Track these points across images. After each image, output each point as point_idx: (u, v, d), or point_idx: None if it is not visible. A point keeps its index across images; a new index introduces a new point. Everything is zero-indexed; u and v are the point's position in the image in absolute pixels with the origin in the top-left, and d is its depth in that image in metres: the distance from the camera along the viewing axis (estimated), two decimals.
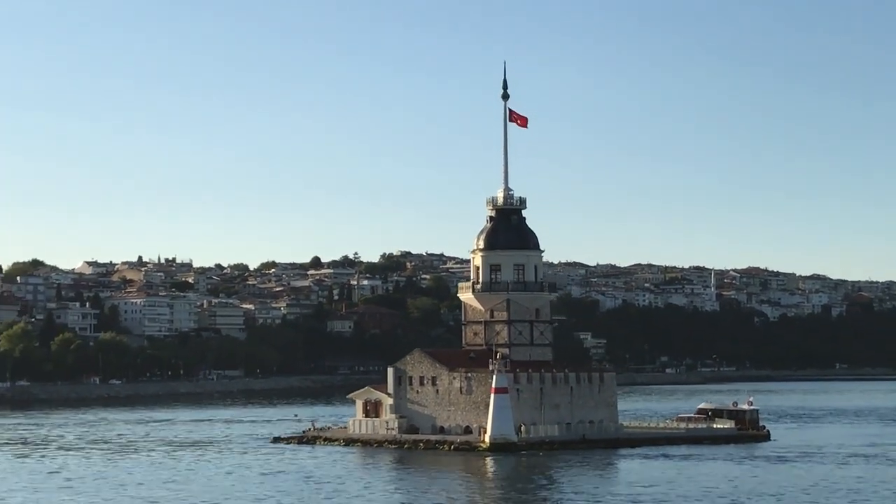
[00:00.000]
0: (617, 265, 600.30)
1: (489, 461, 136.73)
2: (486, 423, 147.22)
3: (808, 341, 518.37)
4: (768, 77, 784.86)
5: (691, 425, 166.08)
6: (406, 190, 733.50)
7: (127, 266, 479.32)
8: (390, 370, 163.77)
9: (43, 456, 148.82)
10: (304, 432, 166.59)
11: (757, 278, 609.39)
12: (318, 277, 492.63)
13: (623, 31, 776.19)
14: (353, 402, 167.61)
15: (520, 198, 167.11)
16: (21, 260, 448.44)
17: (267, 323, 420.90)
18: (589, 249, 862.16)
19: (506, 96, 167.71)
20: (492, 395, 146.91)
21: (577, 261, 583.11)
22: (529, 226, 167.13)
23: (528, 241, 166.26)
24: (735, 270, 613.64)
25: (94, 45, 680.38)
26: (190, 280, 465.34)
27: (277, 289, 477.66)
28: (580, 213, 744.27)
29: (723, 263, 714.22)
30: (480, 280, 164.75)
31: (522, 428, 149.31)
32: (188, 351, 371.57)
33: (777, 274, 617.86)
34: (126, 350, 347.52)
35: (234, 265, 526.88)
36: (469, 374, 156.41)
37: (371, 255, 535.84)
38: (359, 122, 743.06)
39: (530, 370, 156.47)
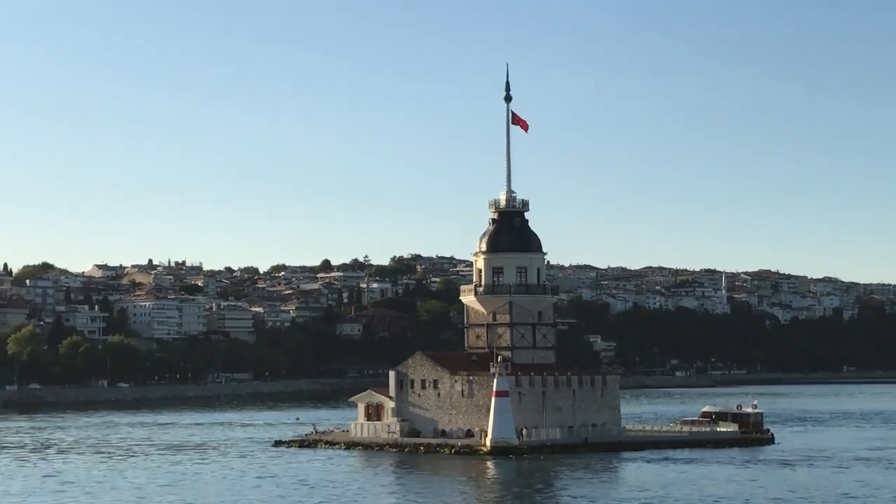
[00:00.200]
0: (627, 268, 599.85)
1: (489, 465, 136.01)
2: (488, 426, 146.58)
3: (819, 344, 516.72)
4: (780, 78, 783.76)
5: (695, 429, 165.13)
6: (417, 193, 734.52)
7: (136, 269, 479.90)
8: (392, 373, 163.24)
9: (41, 459, 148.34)
10: (305, 436, 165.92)
11: (768, 281, 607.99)
12: (327, 280, 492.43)
13: (627, 32, 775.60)
14: (356, 405, 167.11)
15: (522, 200, 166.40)
16: (31, 263, 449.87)
17: (276, 326, 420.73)
18: (600, 252, 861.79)
19: (508, 98, 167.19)
20: (493, 399, 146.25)
21: (588, 264, 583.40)
22: (534, 229, 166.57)
23: (530, 243, 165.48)
24: (746, 273, 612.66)
25: (104, 50, 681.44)
26: (199, 283, 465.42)
27: (287, 292, 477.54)
28: (591, 216, 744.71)
29: (734, 266, 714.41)
30: (483, 283, 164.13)
31: (524, 431, 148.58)
32: (197, 354, 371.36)
33: (788, 276, 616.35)
34: (134, 353, 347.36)
35: (244, 268, 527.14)
36: (470, 378, 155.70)
37: (381, 259, 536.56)
38: (366, 125, 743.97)
39: (532, 373, 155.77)
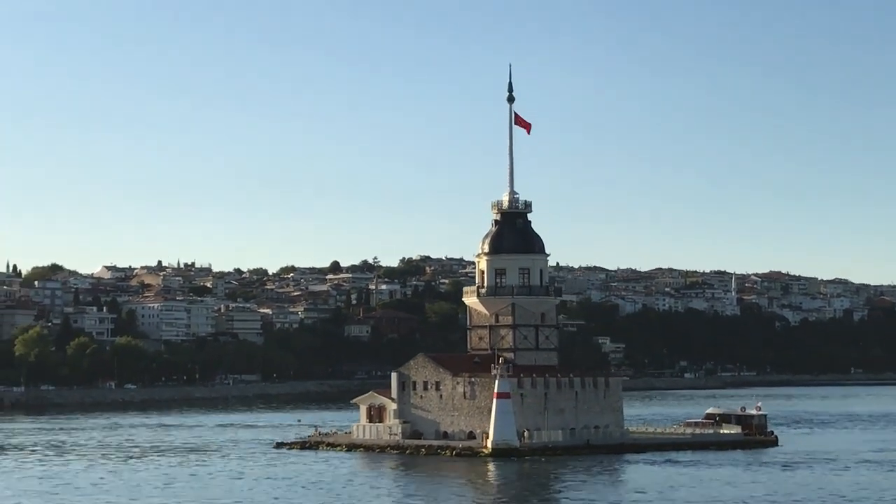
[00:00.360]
0: (637, 269, 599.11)
1: (490, 467, 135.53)
2: (489, 428, 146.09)
3: (830, 346, 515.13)
4: (788, 80, 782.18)
5: (698, 430, 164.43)
6: (427, 194, 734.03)
7: (146, 271, 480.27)
8: (394, 375, 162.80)
9: (40, 460, 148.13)
10: (307, 438, 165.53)
11: (778, 282, 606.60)
12: (336, 282, 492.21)
13: (631, 32, 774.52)
14: (358, 406, 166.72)
15: (525, 201, 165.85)
16: (41, 265, 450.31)
17: (284, 327, 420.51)
18: (610, 254, 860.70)
19: (511, 99, 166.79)
20: (494, 400, 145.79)
21: (598, 265, 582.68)
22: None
23: (533, 245, 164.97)
24: (756, 275, 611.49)
25: (112, 53, 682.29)
26: (208, 285, 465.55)
27: (295, 293, 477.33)
28: (601, 218, 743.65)
29: (744, 268, 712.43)
30: (485, 284, 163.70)
31: (525, 433, 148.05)
32: (204, 355, 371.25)
33: (798, 278, 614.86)
34: (142, 354, 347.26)
35: (253, 270, 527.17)
36: (472, 379, 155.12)
37: (391, 260, 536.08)
38: (375, 126, 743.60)
39: (534, 375, 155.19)
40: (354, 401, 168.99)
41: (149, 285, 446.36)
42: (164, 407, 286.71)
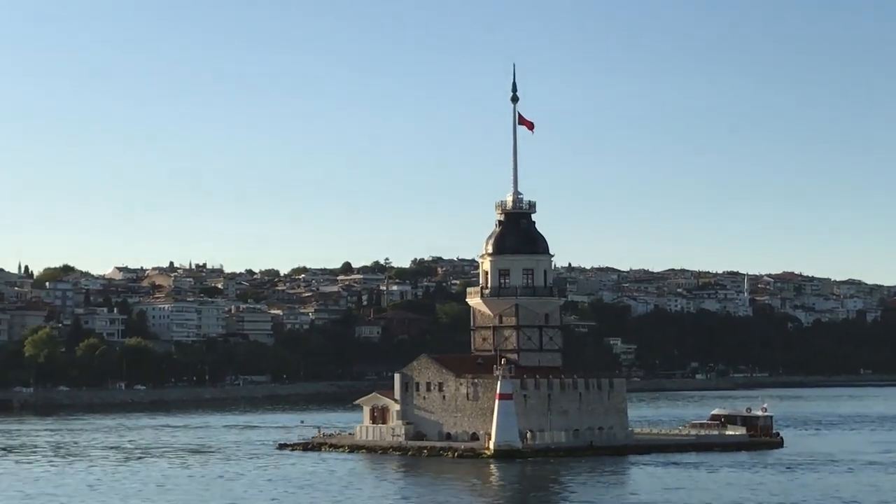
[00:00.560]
0: (650, 270, 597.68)
1: (492, 468, 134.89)
2: (491, 429, 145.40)
3: (843, 347, 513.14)
4: (802, 79, 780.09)
5: (703, 432, 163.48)
6: (440, 196, 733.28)
7: (157, 272, 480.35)
8: (397, 376, 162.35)
9: (39, 463, 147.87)
10: (311, 438, 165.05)
11: (791, 283, 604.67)
12: (347, 283, 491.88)
13: (638, 30, 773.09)
14: (361, 408, 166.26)
15: (529, 201, 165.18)
16: (53, 266, 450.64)
17: (295, 328, 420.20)
18: (622, 255, 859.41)
19: (515, 99, 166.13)
20: (496, 402, 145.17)
21: (610, 266, 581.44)
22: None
23: (537, 245, 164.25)
24: (769, 275, 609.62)
25: (124, 54, 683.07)
26: (219, 286, 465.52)
27: (306, 294, 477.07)
28: (614, 219, 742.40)
29: (757, 268, 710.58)
30: (489, 285, 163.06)
31: (528, 434, 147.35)
32: (215, 356, 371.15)
33: (811, 279, 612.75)
34: (151, 355, 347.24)
35: (265, 271, 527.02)
36: (475, 381, 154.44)
37: (403, 261, 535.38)
38: (380, 127, 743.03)
39: (538, 376, 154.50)
40: (358, 402, 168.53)
41: (160, 286, 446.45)
42: (173, 408, 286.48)
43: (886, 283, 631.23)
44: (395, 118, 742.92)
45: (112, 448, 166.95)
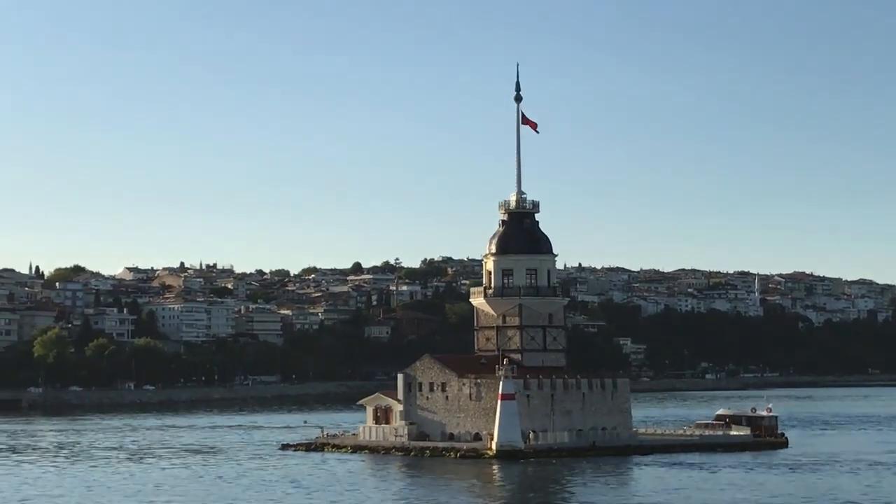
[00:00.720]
0: (660, 270, 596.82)
1: (495, 469, 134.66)
2: (494, 429, 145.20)
3: (853, 347, 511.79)
4: (813, 78, 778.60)
5: (707, 432, 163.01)
6: (450, 196, 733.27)
7: (167, 272, 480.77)
8: (400, 376, 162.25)
9: (38, 462, 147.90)
10: (314, 439, 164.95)
11: (802, 283, 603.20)
12: (357, 283, 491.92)
13: (642, 29, 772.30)
14: (364, 408, 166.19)
15: (532, 201, 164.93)
16: (64, 266, 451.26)
17: (304, 328, 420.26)
18: (633, 255, 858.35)
19: (518, 98, 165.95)
20: (499, 402, 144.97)
21: (621, 266, 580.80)
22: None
23: (540, 245, 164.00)
24: (780, 275, 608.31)
25: (133, 54, 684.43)
26: (230, 286, 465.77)
27: (316, 294, 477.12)
28: (625, 219, 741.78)
29: (767, 268, 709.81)
30: (492, 285, 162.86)
31: (531, 435, 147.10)
32: (224, 356, 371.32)
33: (822, 279, 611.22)
34: (160, 356, 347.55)
35: (275, 271, 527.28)
36: (478, 381, 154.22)
37: (413, 262, 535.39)
38: (385, 127, 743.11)
39: (541, 376, 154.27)
40: (361, 402, 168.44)
41: (170, 286, 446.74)
42: (182, 408, 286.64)
43: None
44: (402, 118, 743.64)
45: (114, 448, 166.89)
